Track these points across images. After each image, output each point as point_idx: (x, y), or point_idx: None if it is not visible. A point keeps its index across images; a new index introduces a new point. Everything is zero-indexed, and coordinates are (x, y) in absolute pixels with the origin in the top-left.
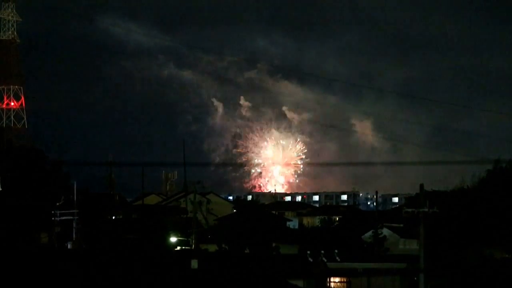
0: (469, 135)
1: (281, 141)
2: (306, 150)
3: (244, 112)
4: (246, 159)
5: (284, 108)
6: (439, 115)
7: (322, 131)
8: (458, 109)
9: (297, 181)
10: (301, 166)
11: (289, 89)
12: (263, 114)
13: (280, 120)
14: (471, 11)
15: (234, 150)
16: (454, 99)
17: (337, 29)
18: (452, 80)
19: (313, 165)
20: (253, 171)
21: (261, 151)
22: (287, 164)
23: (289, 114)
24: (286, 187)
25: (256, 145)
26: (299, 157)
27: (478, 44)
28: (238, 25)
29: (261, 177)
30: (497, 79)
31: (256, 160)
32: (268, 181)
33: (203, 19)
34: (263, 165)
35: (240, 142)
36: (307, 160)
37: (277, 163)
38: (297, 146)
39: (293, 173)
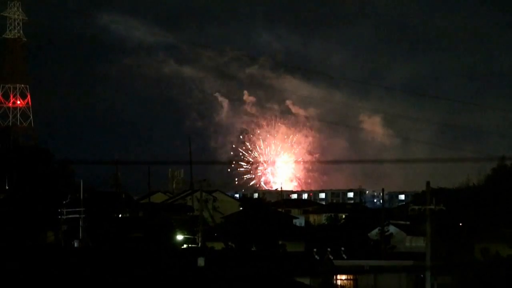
0: (478, 132)
1: (289, 137)
2: (311, 147)
3: (249, 108)
4: (253, 156)
5: (288, 102)
6: (447, 112)
7: (330, 127)
8: (466, 106)
9: (304, 178)
10: (309, 163)
11: (295, 85)
12: (269, 109)
13: (286, 116)
14: (481, 7)
15: (241, 147)
16: (463, 96)
17: (344, 24)
18: (460, 77)
19: (321, 163)
20: (260, 168)
21: (268, 148)
22: (295, 161)
23: (294, 109)
24: (296, 182)
25: (263, 141)
26: (308, 153)
27: (487, 40)
28: (242, 19)
29: (267, 174)
30: (505, 75)
31: (263, 157)
32: (275, 177)
33: (205, 14)
34: (270, 162)
35: (246, 138)
36: (316, 156)
37: (283, 160)
38: (305, 142)
39: (301, 169)
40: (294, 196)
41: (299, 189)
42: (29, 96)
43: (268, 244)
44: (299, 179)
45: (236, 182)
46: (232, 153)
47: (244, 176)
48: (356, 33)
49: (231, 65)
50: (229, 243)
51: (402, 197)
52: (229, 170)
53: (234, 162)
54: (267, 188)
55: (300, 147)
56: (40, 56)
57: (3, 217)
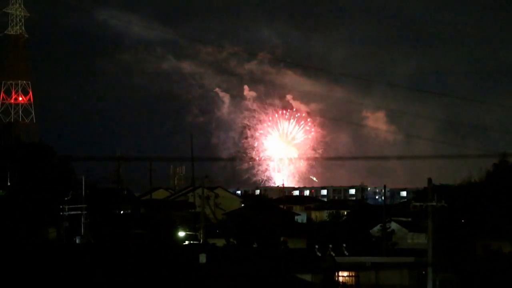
0: (480, 129)
1: (290, 133)
2: (312, 143)
3: (250, 103)
4: (254, 152)
5: (288, 97)
6: (450, 108)
7: (332, 123)
8: (469, 102)
9: (307, 174)
10: (312, 158)
11: (296, 80)
12: (270, 105)
13: (288, 111)
14: (485, 2)
15: (243, 142)
16: (465, 92)
17: (346, 18)
18: (463, 73)
19: (323, 159)
20: (261, 164)
21: (270, 143)
22: (298, 157)
23: (295, 104)
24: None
25: (265, 137)
26: (311, 150)
27: (490, 36)
28: (241, 14)
29: (269, 170)
30: (508, 72)
31: (264, 153)
32: (277, 173)
33: (204, 9)
34: (272, 158)
35: (248, 134)
36: (318, 151)
37: (286, 155)
38: (307, 137)
39: (304, 165)
40: (296, 192)
41: (301, 185)
42: (31, 92)
43: (270, 240)
44: (300, 176)
45: (238, 178)
46: (234, 149)
47: (246, 172)
48: (359, 28)
49: (231, 60)
50: (231, 240)
51: (404, 193)
52: (231, 166)
53: (235, 159)
54: (269, 185)
55: (302, 143)
56: (42, 52)
57: (5, 213)
